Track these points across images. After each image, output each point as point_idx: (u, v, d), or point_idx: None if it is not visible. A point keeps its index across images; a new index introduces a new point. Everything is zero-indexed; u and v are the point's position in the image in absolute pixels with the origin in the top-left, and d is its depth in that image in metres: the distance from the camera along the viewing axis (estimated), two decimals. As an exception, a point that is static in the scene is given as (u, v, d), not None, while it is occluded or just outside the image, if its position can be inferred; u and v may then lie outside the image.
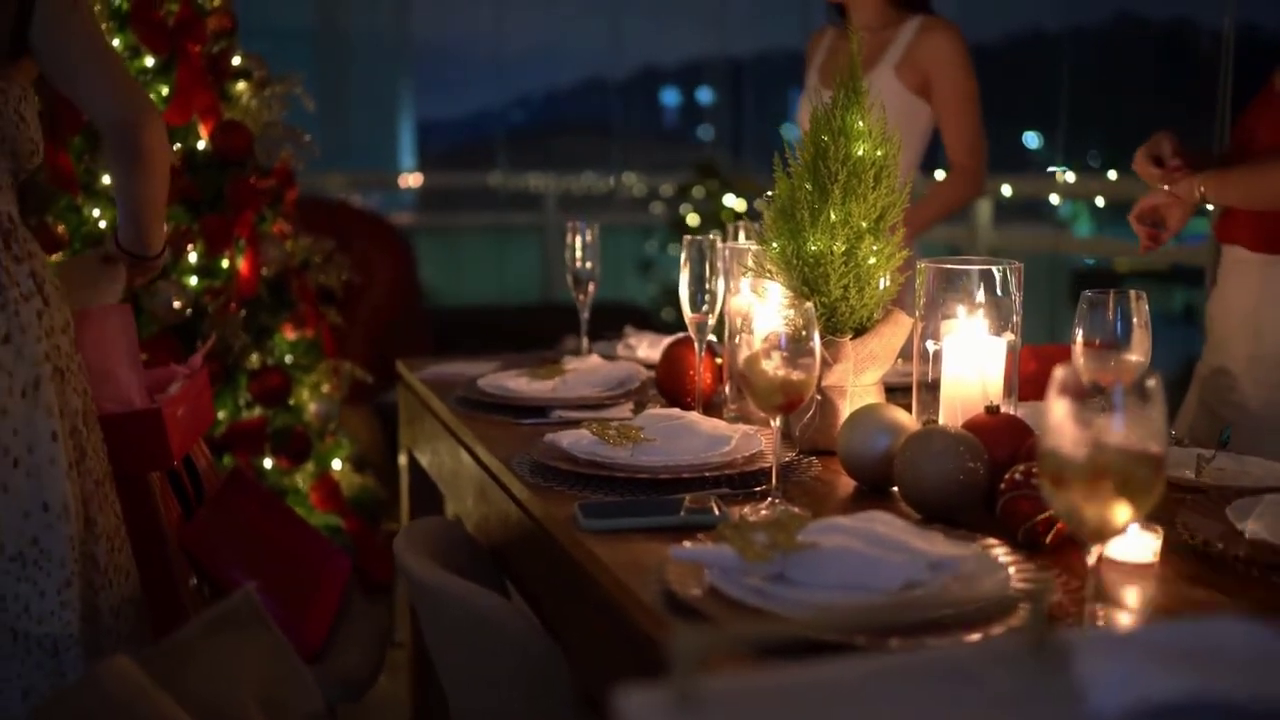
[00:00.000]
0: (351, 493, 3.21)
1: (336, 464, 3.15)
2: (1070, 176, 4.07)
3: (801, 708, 0.73)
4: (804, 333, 1.50)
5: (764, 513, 1.54)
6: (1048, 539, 1.42)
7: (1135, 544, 1.38)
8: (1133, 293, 1.65)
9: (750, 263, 1.88)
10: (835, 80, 3.01)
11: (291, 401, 3.00)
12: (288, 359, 3.01)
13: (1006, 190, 4.14)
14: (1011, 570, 1.29)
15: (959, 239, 4.42)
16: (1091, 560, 1.07)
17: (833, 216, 1.77)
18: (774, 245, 1.83)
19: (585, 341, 2.48)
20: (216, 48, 2.91)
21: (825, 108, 1.80)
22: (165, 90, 2.77)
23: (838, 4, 2.98)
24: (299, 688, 1.31)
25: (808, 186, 1.80)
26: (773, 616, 1.18)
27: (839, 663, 0.78)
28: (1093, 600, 1.11)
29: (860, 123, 1.79)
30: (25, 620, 1.63)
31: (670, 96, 11.05)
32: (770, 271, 1.84)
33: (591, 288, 2.44)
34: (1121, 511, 1.02)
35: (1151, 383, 1.04)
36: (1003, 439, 1.56)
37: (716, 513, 1.51)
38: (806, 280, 1.80)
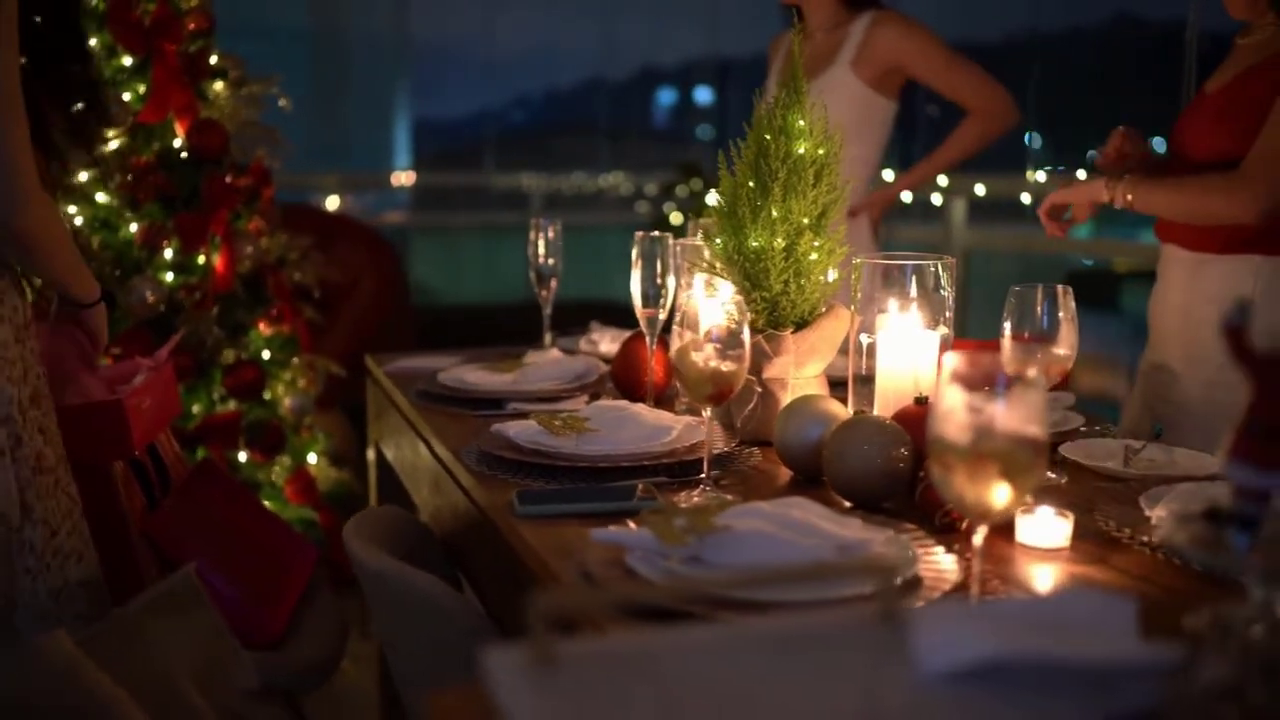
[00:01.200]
0: (328, 487, 3.26)
1: (312, 458, 3.20)
2: (1041, 176, 4.11)
3: (651, 670, 0.78)
4: (734, 326, 1.54)
5: (695, 500, 1.59)
6: (963, 524, 1.46)
7: (1047, 529, 1.42)
8: (1059, 287, 1.69)
9: (695, 258, 1.92)
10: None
11: (267, 396, 3.05)
12: (264, 354, 3.06)
13: (980, 189, 4.19)
14: (920, 553, 1.34)
15: (934, 238, 4.47)
16: (978, 541, 1.12)
17: (774, 213, 1.82)
18: (718, 241, 1.87)
19: (548, 336, 2.53)
20: (194, 47, 2.96)
21: (768, 107, 1.84)
22: (142, 89, 2.82)
23: (794, 5, 3.05)
24: (234, 666, 1.36)
25: (750, 184, 1.84)
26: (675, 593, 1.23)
27: (697, 629, 0.82)
28: (979, 578, 1.15)
29: (801, 122, 1.83)
30: None
31: (668, 96, 11.11)
32: (714, 267, 1.88)
33: (554, 284, 2.49)
34: (1003, 493, 1.07)
35: (1032, 371, 1.09)
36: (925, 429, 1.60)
37: (649, 500, 1.56)
38: (748, 275, 1.84)
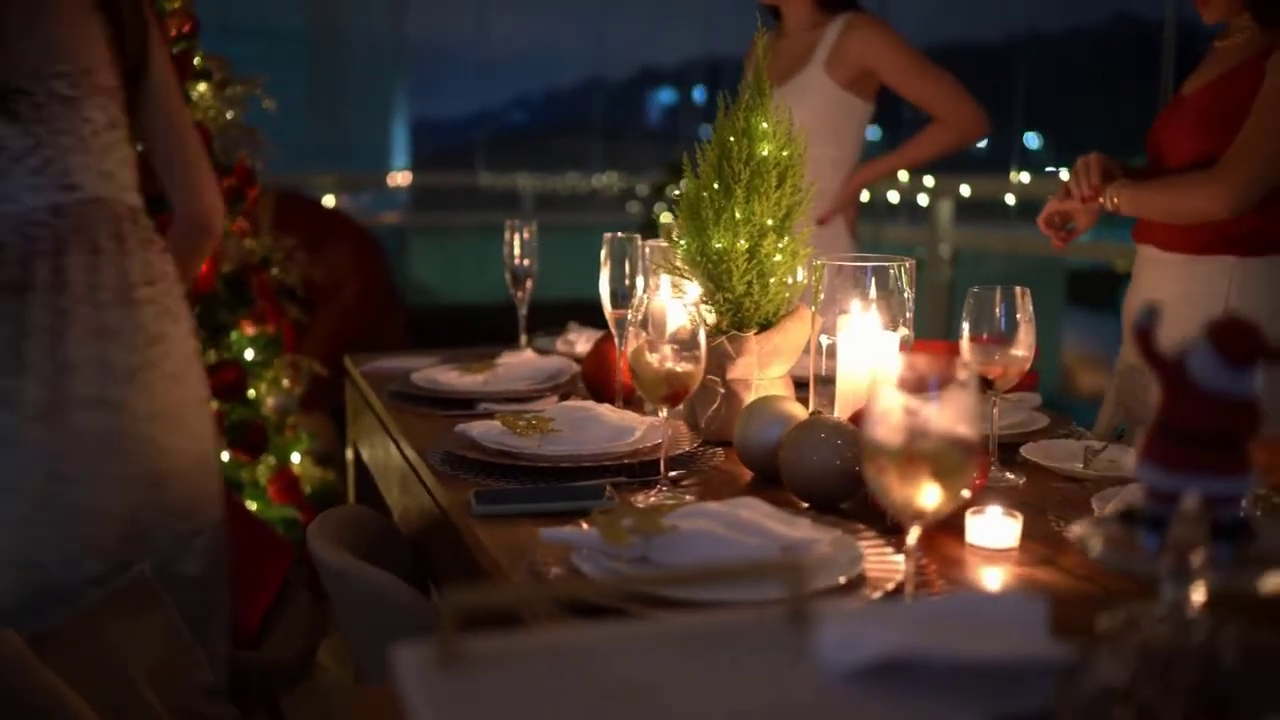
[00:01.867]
0: (313, 486, 3.27)
1: (296, 458, 3.21)
2: (1025, 177, 4.13)
3: (559, 667, 0.79)
4: (691, 327, 1.55)
5: (651, 500, 1.60)
6: (915, 525, 1.47)
7: (997, 530, 1.43)
8: (1018, 289, 1.69)
9: (659, 259, 1.93)
10: (769, 82, 3.10)
11: (251, 395, 3.06)
12: (248, 354, 3.08)
13: (965, 190, 4.20)
14: (868, 552, 1.35)
15: (921, 239, 4.48)
16: (911, 540, 1.13)
17: (737, 215, 1.83)
18: (681, 243, 1.88)
19: (524, 337, 2.54)
20: (177, 49, 2.98)
21: (729, 108, 1.85)
22: (123, 91, 2.84)
23: (771, 6, 3.07)
24: (189, 663, 1.37)
25: (714, 185, 1.85)
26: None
27: (611, 627, 0.83)
28: (913, 578, 1.16)
29: (765, 124, 1.84)
30: None
31: (666, 96, 11.12)
32: (678, 268, 1.89)
33: (529, 284, 2.50)
34: (934, 494, 1.08)
35: (965, 373, 1.10)
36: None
37: (605, 500, 1.57)
38: (711, 277, 1.85)
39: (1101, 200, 2.22)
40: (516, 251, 2.49)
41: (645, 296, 1.58)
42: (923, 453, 1.07)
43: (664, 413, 1.61)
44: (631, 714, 0.74)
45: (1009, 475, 1.72)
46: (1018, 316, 1.68)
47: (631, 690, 0.76)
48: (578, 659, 0.80)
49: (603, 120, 9.62)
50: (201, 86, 3.04)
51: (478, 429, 1.82)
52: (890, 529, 1.48)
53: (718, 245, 1.84)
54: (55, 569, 1.72)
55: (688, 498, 1.61)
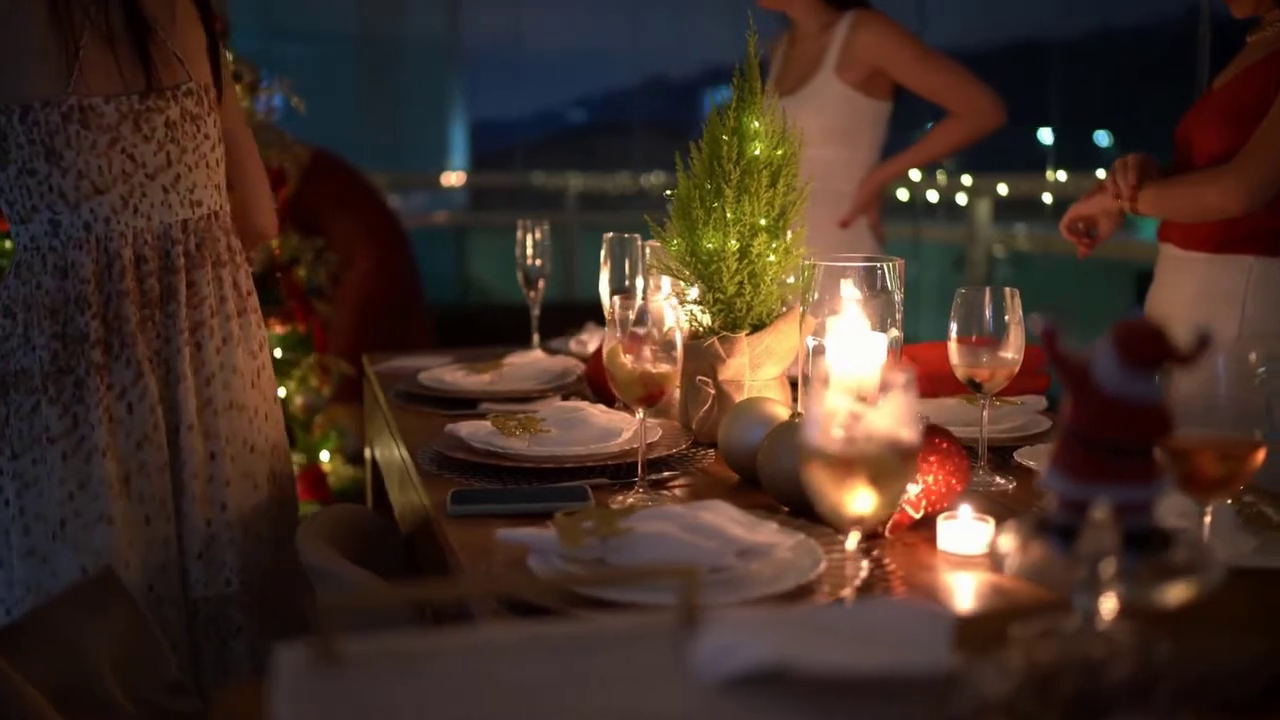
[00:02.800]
0: (342, 484, 3.31)
1: (325, 456, 3.25)
2: (1062, 175, 4.05)
3: (440, 670, 0.78)
4: (664, 328, 1.54)
5: (629, 501, 1.59)
6: (886, 529, 1.45)
7: (968, 535, 1.40)
8: (1008, 290, 1.66)
9: (654, 259, 1.92)
10: (784, 86, 3.09)
11: (280, 393, 3.10)
12: (276, 353, 3.11)
13: (1003, 189, 4.13)
14: (831, 557, 1.33)
15: (959, 237, 4.41)
16: (850, 545, 1.11)
17: (728, 215, 1.81)
18: (674, 242, 1.87)
19: (535, 336, 2.54)
20: (207, 52, 3.02)
21: (721, 108, 1.84)
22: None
23: (778, 10, 3.07)
24: (155, 658, 1.39)
25: (707, 185, 1.84)
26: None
27: (492, 629, 0.83)
28: (854, 582, 1.14)
29: (756, 123, 1.82)
30: None
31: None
32: (670, 268, 1.88)
33: (541, 284, 2.50)
34: (869, 500, 1.06)
35: (904, 377, 1.07)
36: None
37: (578, 501, 1.56)
38: (703, 277, 1.84)
39: (1121, 201, 2.19)
40: (529, 252, 2.50)
41: (617, 298, 1.57)
42: (857, 457, 1.05)
43: (640, 414, 1.60)
44: (496, 718, 0.73)
45: (999, 480, 1.69)
46: (1007, 318, 1.65)
47: (505, 694, 0.76)
48: (460, 661, 0.79)
49: (662, 119, 9.60)
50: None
51: (466, 429, 1.82)
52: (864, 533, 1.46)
53: (709, 245, 1.82)
54: (232, 564, 1.89)
55: (666, 499, 1.60)
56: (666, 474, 1.75)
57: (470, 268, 8.31)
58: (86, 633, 1.35)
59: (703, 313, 1.87)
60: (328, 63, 8.15)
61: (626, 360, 1.55)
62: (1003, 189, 4.10)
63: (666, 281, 1.99)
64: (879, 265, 1.73)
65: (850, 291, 1.74)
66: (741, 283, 1.83)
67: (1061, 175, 4.05)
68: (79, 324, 1.79)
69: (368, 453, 2.74)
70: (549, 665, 0.79)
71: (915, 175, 4.03)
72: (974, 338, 1.66)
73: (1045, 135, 6.47)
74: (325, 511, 1.83)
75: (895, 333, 1.75)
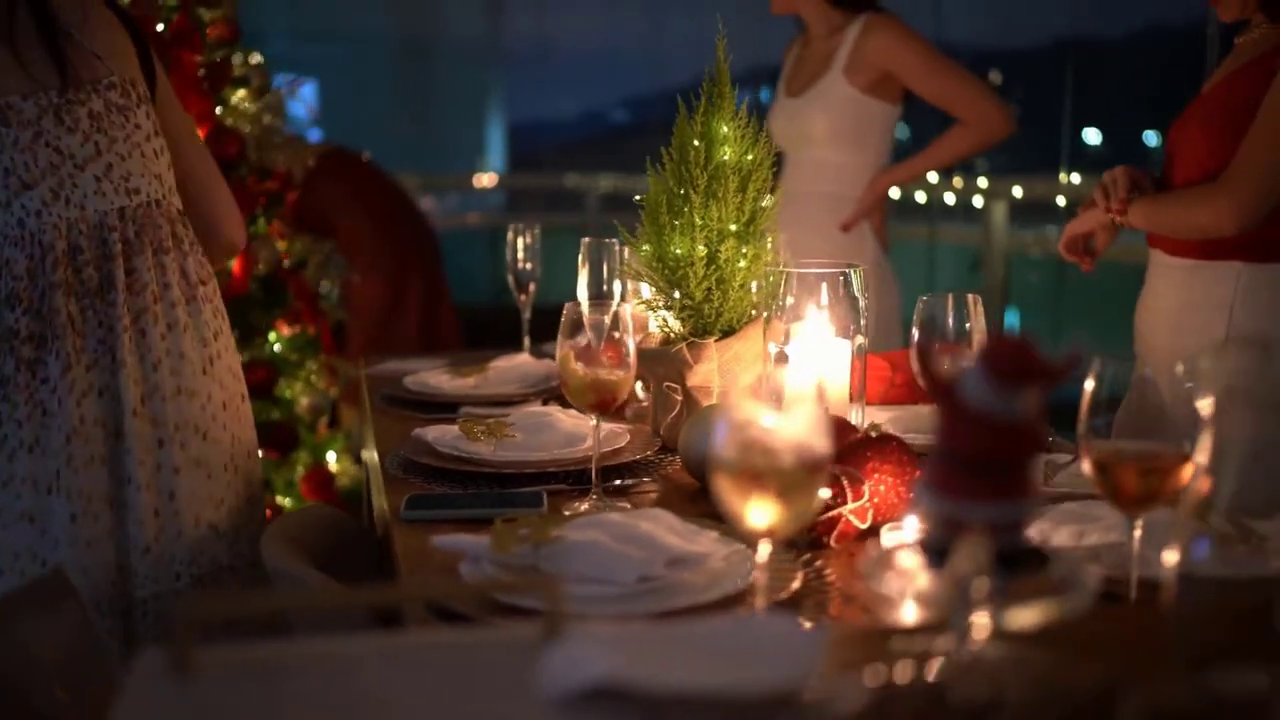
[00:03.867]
0: (355, 484, 3.33)
1: (332, 456, 3.27)
2: (1076, 178, 3.99)
3: (294, 680, 0.78)
4: (616, 334, 1.54)
5: (583, 508, 1.59)
6: (831, 539, 1.44)
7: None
8: (970, 296, 1.64)
9: (622, 264, 1.92)
10: (792, 88, 3.07)
11: (286, 394, 3.13)
12: (285, 354, 3.14)
13: (1018, 192, 4.08)
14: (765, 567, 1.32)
15: (975, 239, 4.36)
16: (760, 558, 1.10)
17: (696, 220, 1.80)
18: (643, 247, 1.87)
19: (526, 340, 2.54)
20: (217, 56, 3.05)
21: (685, 111, 1.83)
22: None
23: (789, 13, 3.05)
24: (100, 658, 1.40)
25: (675, 190, 1.83)
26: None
27: (359, 639, 0.83)
28: (765, 595, 1.13)
29: (725, 128, 1.81)
30: None
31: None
32: (640, 273, 1.88)
33: (532, 288, 2.50)
34: (774, 512, 1.05)
35: (815, 383, 1.06)
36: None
37: (532, 506, 1.56)
38: (671, 282, 1.83)
39: (1114, 215, 2.16)
40: (520, 255, 2.50)
41: (573, 304, 1.57)
42: (761, 469, 1.04)
43: (594, 420, 1.60)
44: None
45: (962, 489, 1.66)
46: (969, 325, 1.63)
47: (351, 705, 0.76)
48: (317, 672, 0.80)
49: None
50: (240, 93, 3.12)
51: (433, 433, 1.83)
52: (812, 543, 1.45)
53: (676, 251, 1.82)
54: (182, 558, 1.87)
55: (622, 505, 1.60)
56: (632, 481, 1.74)
57: (503, 269, 8.32)
58: (34, 632, 1.36)
59: (673, 318, 1.86)
60: (364, 64, 8.21)
61: (578, 367, 1.55)
62: (1018, 191, 4.05)
63: (646, 287, 1.99)
64: (843, 272, 1.72)
65: (815, 298, 1.72)
66: (710, 289, 1.82)
67: (1076, 178, 3.99)
68: (8, 321, 1.79)
69: (364, 454, 2.76)
70: (408, 677, 0.79)
71: (933, 178, 3.99)
72: (936, 345, 1.64)
73: (1092, 135, 6.37)
74: (295, 513, 1.84)
75: (862, 340, 1.74)
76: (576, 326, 1.56)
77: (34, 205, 1.81)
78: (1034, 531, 1.40)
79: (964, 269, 4.69)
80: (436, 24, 8.49)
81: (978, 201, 4.15)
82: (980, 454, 0.80)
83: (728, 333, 1.85)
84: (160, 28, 2.92)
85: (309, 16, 7.67)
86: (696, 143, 1.82)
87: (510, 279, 2.51)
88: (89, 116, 1.85)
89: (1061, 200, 4.01)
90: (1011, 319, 5.05)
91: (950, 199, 4.25)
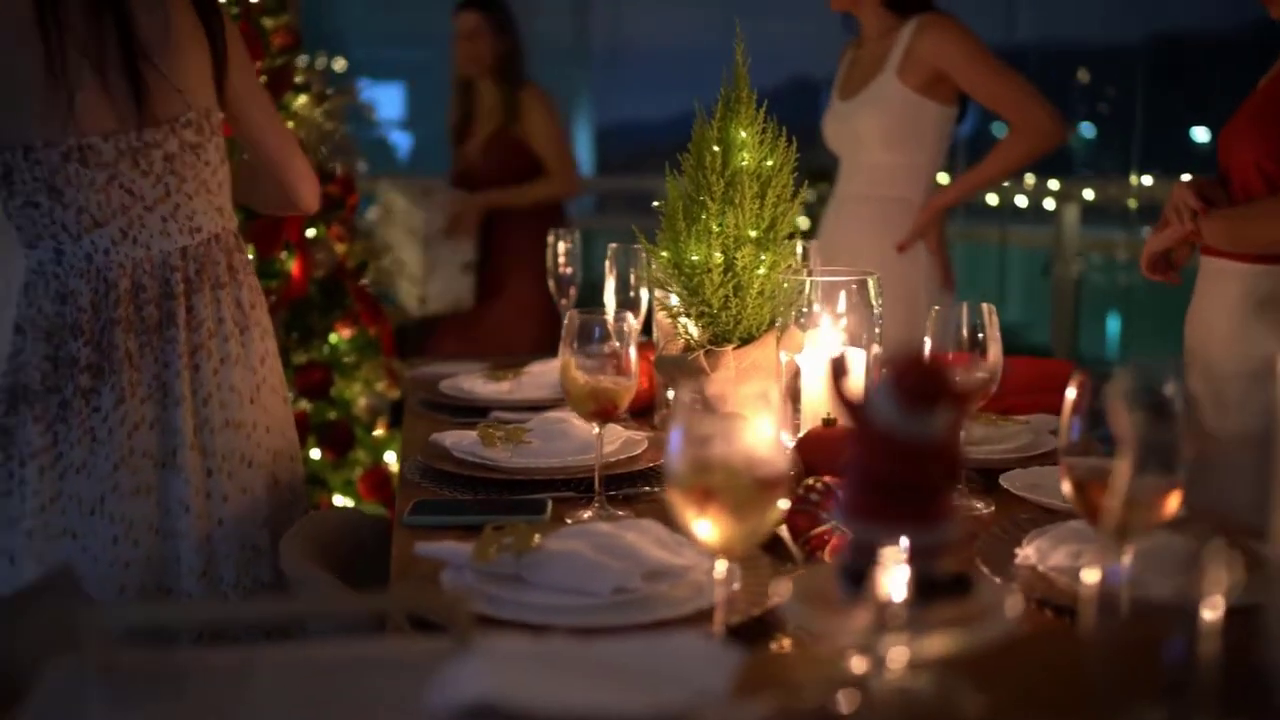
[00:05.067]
0: (410, 484, 3.37)
1: (391, 456, 3.31)
2: (1147, 180, 3.86)
3: (196, 690, 0.79)
4: (618, 343, 1.53)
5: (585, 516, 1.59)
6: (825, 553, 1.41)
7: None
8: (985, 306, 1.60)
9: (642, 271, 1.91)
10: (846, 90, 3.02)
11: (345, 395, 3.18)
12: (346, 357, 3.19)
13: (1089, 194, 3.97)
14: (749, 581, 1.30)
15: (1046, 241, 4.25)
16: (718, 574, 1.08)
17: (714, 227, 1.78)
18: (662, 254, 1.85)
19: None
20: (278, 62, 3.11)
21: (703, 116, 1.81)
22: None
23: (846, 12, 3.00)
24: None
25: (692, 196, 1.81)
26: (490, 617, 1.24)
27: (269, 650, 0.83)
28: (726, 612, 1.11)
29: (743, 133, 1.79)
30: None
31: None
32: (659, 280, 1.86)
33: (573, 292, 2.50)
34: (725, 527, 1.03)
35: (773, 393, 1.05)
36: (832, 452, 1.55)
37: (537, 515, 1.56)
38: (688, 289, 1.82)
39: (1190, 237, 2.10)
40: (561, 259, 2.50)
41: (575, 313, 1.57)
42: (710, 483, 1.03)
43: (596, 428, 1.59)
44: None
45: (977, 504, 1.62)
46: (983, 335, 1.59)
47: (240, 715, 0.76)
48: (209, 679, 0.80)
49: (803, 120, 9.50)
50: (301, 99, 3.17)
51: (451, 439, 1.84)
52: (807, 558, 1.42)
53: (693, 257, 1.80)
54: (229, 579, 1.94)
55: (620, 514, 1.59)
56: (644, 489, 1.73)
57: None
58: (39, 627, 1.40)
59: (693, 325, 1.85)
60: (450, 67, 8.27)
61: (579, 375, 1.55)
62: (1089, 194, 3.94)
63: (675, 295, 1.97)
64: (857, 280, 1.69)
65: (831, 307, 1.70)
66: (727, 296, 1.80)
67: (1147, 180, 3.86)
68: (70, 349, 1.85)
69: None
70: (297, 688, 0.79)
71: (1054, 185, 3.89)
72: (950, 354, 1.60)
73: (1201, 134, 6.18)
74: (314, 517, 1.86)
75: (877, 348, 1.70)
76: (579, 334, 1.56)
77: (103, 243, 1.87)
78: (1031, 550, 1.36)
79: (1035, 272, 4.57)
80: (523, 26, 8.53)
81: (1049, 204, 4.05)
82: (891, 476, 0.77)
83: (746, 340, 1.83)
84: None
85: (399, 21, 7.77)
86: (716, 148, 1.80)
87: (551, 284, 2.51)
88: (163, 159, 1.90)
89: (1133, 203, 3.89)
90: (1113, 325, 4.91)
91: (1021, 201, 4.15)
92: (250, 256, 2.96)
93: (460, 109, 4.21)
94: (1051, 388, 1.77)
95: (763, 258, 1.80)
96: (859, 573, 0.80)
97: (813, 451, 1.59)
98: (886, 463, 0.77)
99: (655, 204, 1.88)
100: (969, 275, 3.30)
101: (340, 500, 3.17)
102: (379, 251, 3.35)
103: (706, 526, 1.04)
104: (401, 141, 8.93)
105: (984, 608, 0.79)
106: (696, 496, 1.03)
